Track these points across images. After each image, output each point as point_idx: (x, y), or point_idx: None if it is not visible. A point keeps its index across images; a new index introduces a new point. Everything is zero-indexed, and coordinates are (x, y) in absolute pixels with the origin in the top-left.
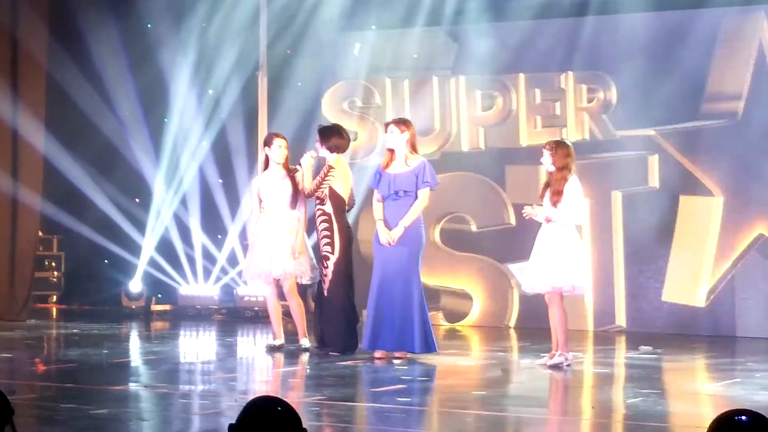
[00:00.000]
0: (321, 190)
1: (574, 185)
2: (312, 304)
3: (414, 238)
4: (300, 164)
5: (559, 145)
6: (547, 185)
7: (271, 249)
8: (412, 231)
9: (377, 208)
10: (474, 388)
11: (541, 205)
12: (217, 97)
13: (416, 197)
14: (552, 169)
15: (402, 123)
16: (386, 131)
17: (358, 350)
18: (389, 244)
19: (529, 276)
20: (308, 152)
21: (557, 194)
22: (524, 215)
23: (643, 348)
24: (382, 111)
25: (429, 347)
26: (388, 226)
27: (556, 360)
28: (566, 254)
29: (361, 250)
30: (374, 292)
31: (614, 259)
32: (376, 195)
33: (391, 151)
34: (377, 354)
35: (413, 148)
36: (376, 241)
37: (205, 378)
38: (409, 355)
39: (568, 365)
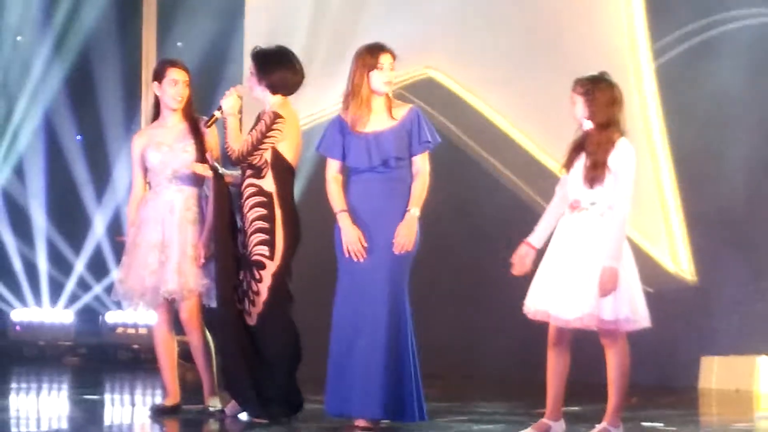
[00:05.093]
0: (259, 153)
1: (626, 155)
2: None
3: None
4: (220, 109)
5: (597, 86)
6: (578, 150)
7: (162, 251)
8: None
9: (336, 192)
10: None
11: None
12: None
13: (410, 168)
14: (588, 125)
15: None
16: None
17: (313, 412)
18: (359, 255)
19: (560, 298)
20: (233, 89)
21: (599, 167)
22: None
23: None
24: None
25: (420, 413)
26: (362, 220)
27: None
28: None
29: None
30: (342, 327)
31: None
32: (333, 172)
33: (367, 96)
34: (360, 424)
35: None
36: (339, 248)
37: None
38: (393, 425)
39: None
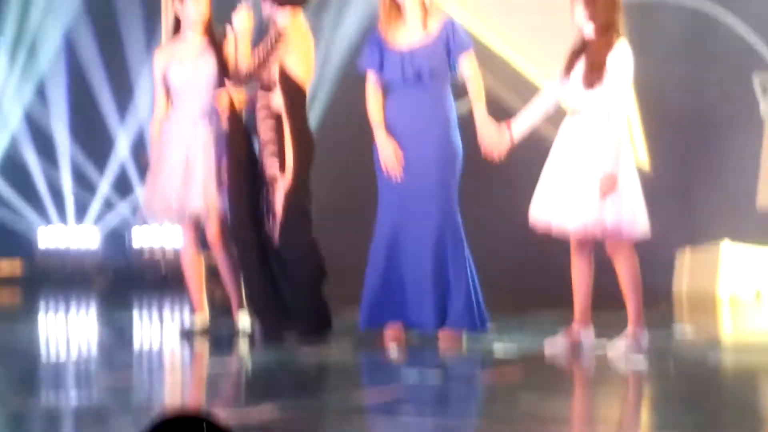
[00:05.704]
0: (266, 69)
1: (624, 56)
2: None
3: (450, 148)
4: (231, 26)
5: None
6: (577, 55)
7: (187, 169)
8: (448, 136)
9: (374, 106)
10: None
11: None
12: None
13: (446, 82)
14: (589, 29)
15: None
16: None
17: (343, 328)
18: (394, 170)
19: (562, 207)
20: (243, 3)
21: (598, 68)
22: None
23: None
24: None
25: (482, 320)
26: (399, 134)
27: (622, 346)
28: (623, 172)
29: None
30: (384, 239)
31: None
32: (372, 85)
33: (395, 5)
34: (391, 331)
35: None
36: (378, 163)
37: (82, 383)
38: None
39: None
